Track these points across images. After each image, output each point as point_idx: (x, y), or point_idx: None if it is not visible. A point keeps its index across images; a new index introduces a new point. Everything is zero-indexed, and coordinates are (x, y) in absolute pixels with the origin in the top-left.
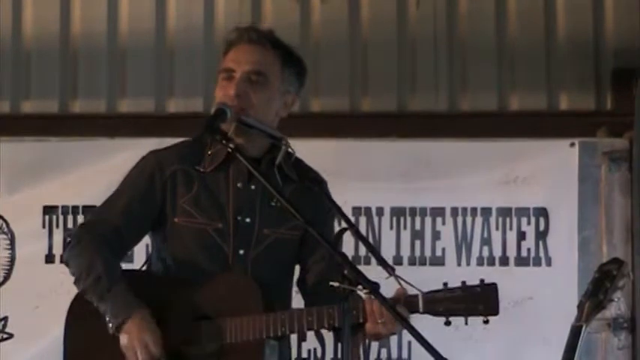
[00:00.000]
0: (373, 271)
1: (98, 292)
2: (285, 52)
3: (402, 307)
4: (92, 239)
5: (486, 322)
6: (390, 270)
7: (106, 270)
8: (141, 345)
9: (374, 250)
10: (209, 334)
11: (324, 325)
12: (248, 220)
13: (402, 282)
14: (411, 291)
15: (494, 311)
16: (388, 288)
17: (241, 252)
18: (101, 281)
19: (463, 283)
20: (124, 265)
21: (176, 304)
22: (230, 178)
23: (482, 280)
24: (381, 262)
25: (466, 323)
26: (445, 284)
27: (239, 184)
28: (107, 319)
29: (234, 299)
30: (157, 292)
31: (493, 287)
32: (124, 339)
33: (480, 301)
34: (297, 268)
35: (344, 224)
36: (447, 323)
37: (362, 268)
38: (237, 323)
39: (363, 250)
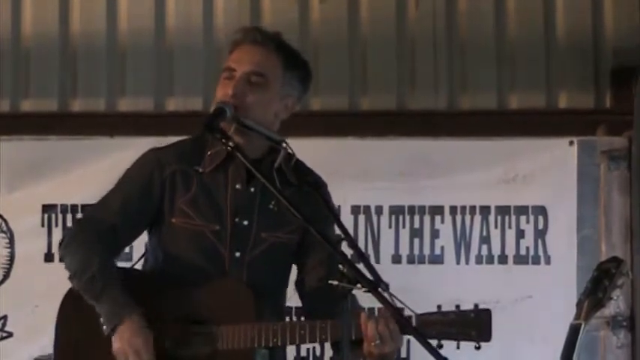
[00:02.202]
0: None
1: (92, 293)
2: (288, 55)
3: (394, 325)
4: (87, 237)
5: (478, 347)
6: (381, 288)
7: (100, 270)
8: (132, 351)
9: (369, 264)
10: (201, 338)
11: (316, 339)
12: (246, 222)
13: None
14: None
15: (487, 337)
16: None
17: (237, 254)
18: (95, 281)
19: (457, 307)
20: (123, 264)
21: (170, 305)
22: (229, 179)
23: (476, 305)
24: (375, 277)
25: (458, 347)
26: (439, 307)
27: (238, 186)
28: (101, 320)
29: (227, 305)
30: (151, 292)
31: (487, 313)
32: (115, 342)
33: (472, 326)
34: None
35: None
36: (439, 346)
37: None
38: (229, 330)
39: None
